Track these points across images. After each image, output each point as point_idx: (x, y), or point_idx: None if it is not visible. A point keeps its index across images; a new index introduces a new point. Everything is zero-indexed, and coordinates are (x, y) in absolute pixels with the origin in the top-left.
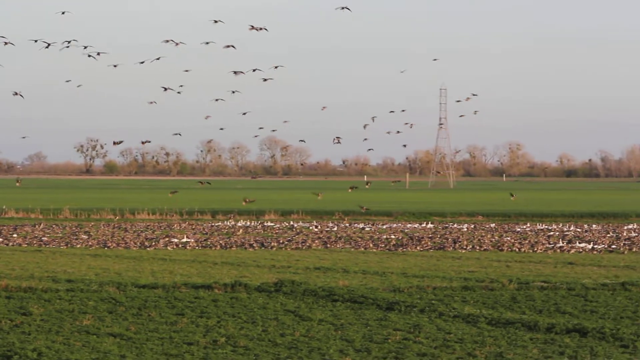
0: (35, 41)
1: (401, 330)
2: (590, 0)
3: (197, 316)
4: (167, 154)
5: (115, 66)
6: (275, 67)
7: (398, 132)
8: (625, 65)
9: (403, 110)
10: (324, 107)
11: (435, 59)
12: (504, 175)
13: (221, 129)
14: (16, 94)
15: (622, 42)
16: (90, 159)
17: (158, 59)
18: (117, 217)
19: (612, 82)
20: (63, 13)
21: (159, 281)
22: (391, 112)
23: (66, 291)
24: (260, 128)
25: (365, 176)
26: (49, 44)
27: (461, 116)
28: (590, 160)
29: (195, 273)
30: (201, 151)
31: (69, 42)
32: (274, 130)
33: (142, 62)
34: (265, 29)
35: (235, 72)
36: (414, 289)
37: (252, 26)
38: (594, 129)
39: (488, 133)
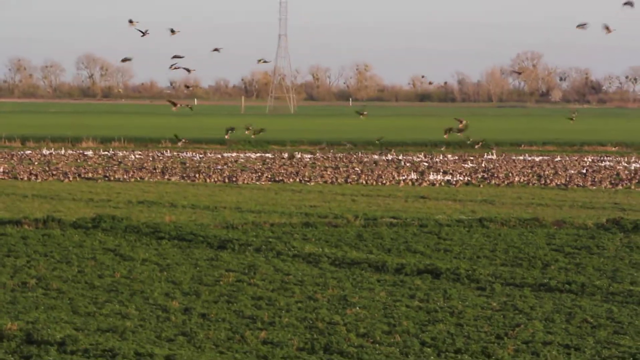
0: None
1: (234, 271)
2: None
3: (3, 255)
4: None
5: None
6: None
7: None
8: None
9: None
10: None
11: None
12: (351, 99)
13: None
14: None
15: None
16: None
17: None
18: None
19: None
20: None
21: None
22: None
23: None
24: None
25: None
26: None
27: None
28: (445, 83)
29: (1, 207)
30: (9, 70)
31: None
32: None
33: None
34: None
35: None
36: (249, 225)
37: None
38: (451, 51)
39: (333, 53)
